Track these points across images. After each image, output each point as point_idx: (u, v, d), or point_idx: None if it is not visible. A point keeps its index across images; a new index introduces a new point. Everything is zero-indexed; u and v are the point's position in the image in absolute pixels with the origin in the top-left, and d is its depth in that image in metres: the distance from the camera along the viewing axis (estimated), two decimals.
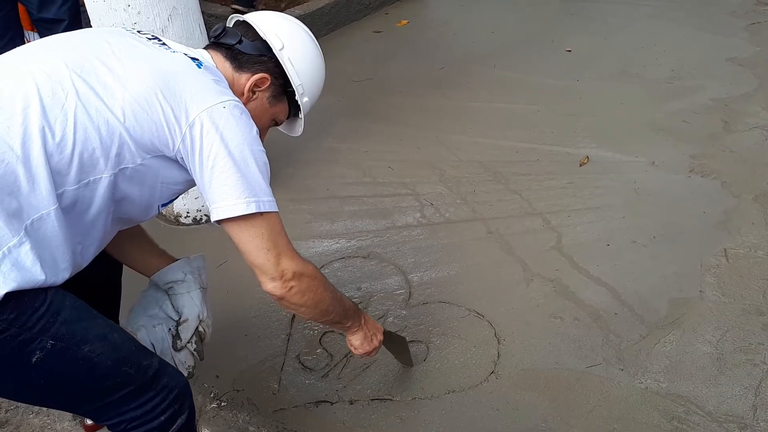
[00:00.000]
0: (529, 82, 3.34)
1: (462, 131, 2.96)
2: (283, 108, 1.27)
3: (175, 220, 2.40)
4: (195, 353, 1.37)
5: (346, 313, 1.30)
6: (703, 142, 2.76)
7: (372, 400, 1.65)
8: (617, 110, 3.07)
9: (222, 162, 1.03)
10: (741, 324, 1.85)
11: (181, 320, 1.35)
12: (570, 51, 3.61)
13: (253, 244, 1.07)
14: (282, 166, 2.73)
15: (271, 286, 1.10)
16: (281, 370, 1.75)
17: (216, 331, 1.70)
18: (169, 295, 1.36)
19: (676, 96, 3.13)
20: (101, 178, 1.01)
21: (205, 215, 2.38)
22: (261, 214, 1.06)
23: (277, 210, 1.09)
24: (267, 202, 1.07)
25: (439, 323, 1.87)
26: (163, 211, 2.35)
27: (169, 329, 1.33)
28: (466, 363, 1.74)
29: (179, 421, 1.12)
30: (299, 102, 1.26)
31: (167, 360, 1.29)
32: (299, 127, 1.34)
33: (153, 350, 1.28)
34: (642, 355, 1.74)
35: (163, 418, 1.09)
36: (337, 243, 2.26)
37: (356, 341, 1.38)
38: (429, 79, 3.44)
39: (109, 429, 1.16)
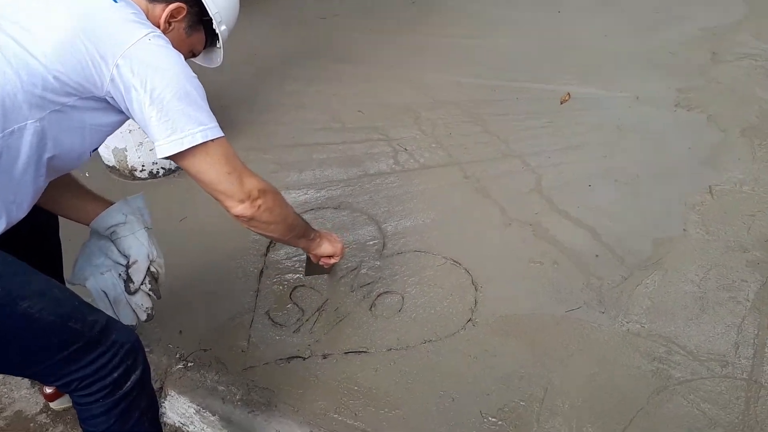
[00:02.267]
0: (507, 16, 3.26)
1: (436, 70, 2.89)
2: (200, 38, 1.28)
3: (130, 174, 2.33)
4: (151, 293, 1.35)
5: (306, 225, 1.41)
6: (689, 75, 2.74)
7: (346, 353, 1.65)
8: (600, 43, 3.02)
9: (159, 96, 1.03)
10: (724, 261, 1.88)
11: (130, 263, 1.32)
12: None
13: (213, 172, 1.11)
14: (242, 112, 2.64)
15: (240, 208, 1.15)
16: (250, 327, 1.72)
17: (179, 289, 1.72)
18: (112, 240, 1.34)
19: (662, 26, 3.08)
20: (26, 125, 0.99)
21: (162, 168, 2.31)
22: (213, 140, 1.08)
23: (223, 134, 1.12)
24: (213, 128, 1.09)
25: (414, 273, 1.87)
26: (117, 165, 2.28)
27: (119, 274, 1.31)
28: (442, 312, 1.75)
29: (133, 377, 1.12)
30: (217, 30, 1.27)
31: (122, 306, 1.31)
32: (218, 58, 1.35)
33: (106, 298, 1.29)
34: (624, 297, 1.76)
35: (116, 374, 1.09)
36: (305, 194, 2.20)
37: (326, 248, 1.50)
38: (400, 14, 3.34)
39: (60, 390, 1.15)
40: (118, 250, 1.34)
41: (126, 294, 1.32)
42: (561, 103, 2.59)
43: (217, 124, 1.12)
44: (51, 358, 1.03)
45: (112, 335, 1.09)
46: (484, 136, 2.44)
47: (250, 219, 1.18)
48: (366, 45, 3.06)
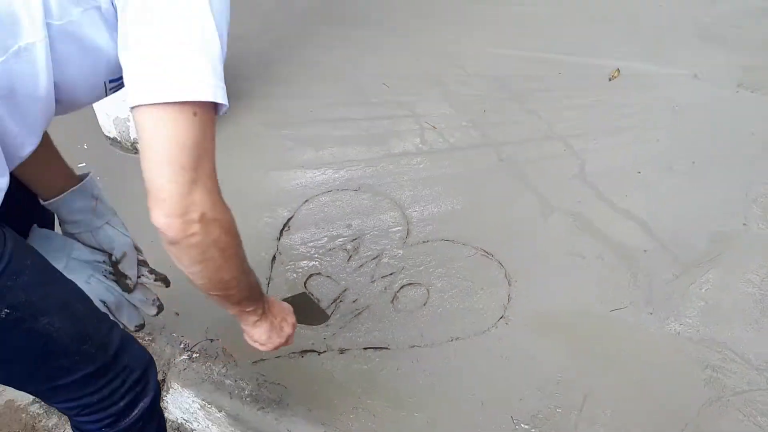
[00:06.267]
0: None
1: (470, 39, 2.87)
2: None
3: (133, 147, 2.34)
4: (157, 282, 1.33)
5: (250, 292, 1.06)
6: (755, 51, 2.68)
7: (365, 348, 1.66)
8: (654, 13, 2.96)
9: (161, 13, 0.80)
10: None
11: (117, 258, 1.25)
12: None
13: (165, 151, 0.81)
14: (255, 84, 2.64)
15: (165, 221, 0.84)
16: None
17: (183, 275, 1.72)
18: (72, 234, 1.22)
19: None
20: (34, 43, 0.81)
21: None
22: (201, 106, 0.82)
23: (226, 103, 0.85)
24: (219, 89, 0.83)
25: (441, 264, 1.86)
26: (118, 136, 2.29)
27: (104, 275, 1.23)
28: (471, 307, 1.75)
29: (141, 405, 1.08)
30: None
31: (124, 309, 1.27)
32: None
33: (105, 307, 1.23)
34: (675, 297, 1.74)
35: (122, 404, 1.05)
36: (323, 174, 2.20)
37: (261, 335, 1.16)
38: None
39: (60, 411, 1.14)
40: (86, 245, 1.22)
41: (125, 294, 1.27)
42: (609, 80, 2.55)
43: (224, 86, 0.86)
44: (55, 380, 0.97)
45: (124, 359, 1.03)
46: (522, 115, 2.42)
47: (171, 242, 0.86)
48: (389, 9, 3.04)
